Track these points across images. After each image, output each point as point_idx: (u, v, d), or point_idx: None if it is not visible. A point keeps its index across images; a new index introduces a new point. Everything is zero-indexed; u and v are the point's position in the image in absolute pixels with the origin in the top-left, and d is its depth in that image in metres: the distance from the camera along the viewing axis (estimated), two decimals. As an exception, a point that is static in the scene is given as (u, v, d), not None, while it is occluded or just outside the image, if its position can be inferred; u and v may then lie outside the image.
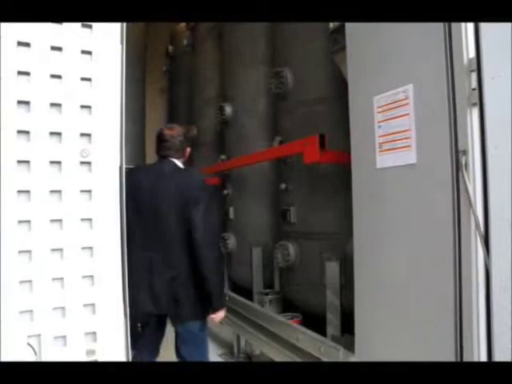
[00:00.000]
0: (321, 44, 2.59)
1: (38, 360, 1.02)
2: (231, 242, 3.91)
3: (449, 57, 1.47)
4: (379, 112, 1.79)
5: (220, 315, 2.17)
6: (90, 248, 1.16)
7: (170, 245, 2.04)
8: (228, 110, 3.94)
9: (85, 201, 1.17)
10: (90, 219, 1.17)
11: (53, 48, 1.12)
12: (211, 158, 4.62)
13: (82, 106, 1.17)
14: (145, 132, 4.57)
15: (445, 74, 1.48)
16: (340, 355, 2.03)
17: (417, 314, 1.59)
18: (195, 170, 2.32)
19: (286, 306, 3.17)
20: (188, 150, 2.33)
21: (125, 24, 1.21)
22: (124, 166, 1.27)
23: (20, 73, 1.09)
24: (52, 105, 1.13)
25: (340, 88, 2.50)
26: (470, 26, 1.38)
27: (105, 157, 1.21)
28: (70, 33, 1.15)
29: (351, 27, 1.92)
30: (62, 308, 1.10)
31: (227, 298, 3.78)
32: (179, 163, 2.25)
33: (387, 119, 1.75)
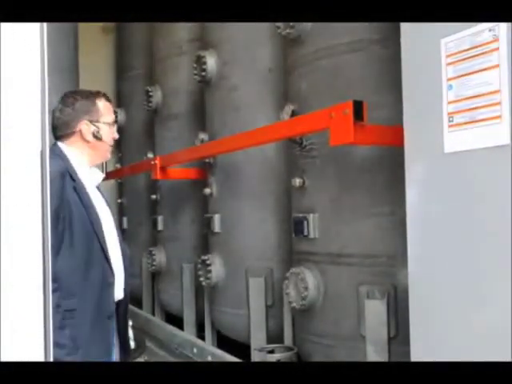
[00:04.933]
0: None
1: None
2: (216, 269, 3.91)
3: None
4: (450, 63, 1.78)
5: None
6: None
7: None
8: (210, 62, 3.95)
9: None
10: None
11: None
12: (185, 138, 4.62)
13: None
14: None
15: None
16: None
17: None
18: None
19: (303, 369, 3.18)
20: (84, 126, 2.40)
21: None
22: (47, 150, 1.29)
23: None
24: None
25: (386, 26, 2.50)
26: None
27: (15, 134, 1.21)
28: None
29: None
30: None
31: (209, 358, 3.79)
32: (67, 149, 2.39)
33: (462, 75, 1.74)
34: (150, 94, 5.13)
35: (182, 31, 4.78)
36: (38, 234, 1.25)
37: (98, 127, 2.40)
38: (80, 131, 2.39)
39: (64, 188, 2.21)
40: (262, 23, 3.54)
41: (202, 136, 4.12)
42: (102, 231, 2.32)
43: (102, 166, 5.10)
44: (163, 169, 4.39)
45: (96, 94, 2.46)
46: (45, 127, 1.28)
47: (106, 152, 2.48)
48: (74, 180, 2.27)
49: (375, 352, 2.48)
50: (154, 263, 5.07)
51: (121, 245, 2.50)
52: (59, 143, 2.39)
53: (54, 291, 2.03)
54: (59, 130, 2.40)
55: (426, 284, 1.89)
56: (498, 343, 1.64)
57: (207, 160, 4.04)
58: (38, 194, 1.25)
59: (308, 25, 2.89)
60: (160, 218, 5.13)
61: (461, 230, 1.76)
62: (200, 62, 3.98)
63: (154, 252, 5.11)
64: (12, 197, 1.21)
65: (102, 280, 2.29)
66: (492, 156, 1.66)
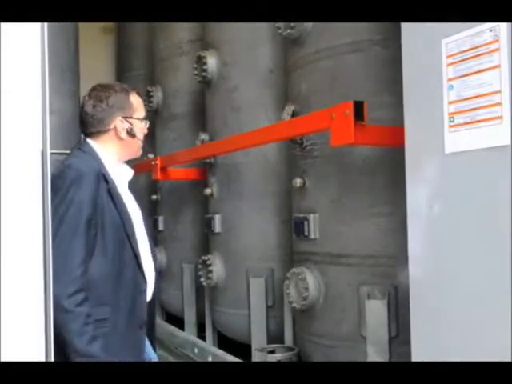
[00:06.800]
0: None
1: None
2: (217, 269, 3.91)
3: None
4: (450, 64, 1.78)
5: None
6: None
7: None
8: (211, 62, 3.95)
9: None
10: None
11: None
12: (185, 139, 4.62)
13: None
14: (79, 90, 4.58)
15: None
16: None
17: None
18: (80, 152, 2.23)
19: (304, 369, 3.18)
20: (118, 123, 2.26)
21: None
22: (48, 151, 1.29)
23: None
24: None
25: (387, 26, 2.50)
26: None
27: (13, 133, 1.21)
28: None
29: None
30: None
31: (210, 358, 3.79)
32: (98, 147, 2.26)
33: (463, 75, 1.74)
34: (151, 94, 5.13)
35: (183, 31, 4.78)
36: (39, 235, 1.25)
37: (131, 124, 2.27)
38: (115, 128, 2.26)
39: (98, 192, 2.09)
40: (262, 23, 3.55)
41: (203, 136, 4.12)
42: (135, 237, 2.21)
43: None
44: (164, 169, 4.39)
45: (128, 89, 2.34)
46: (45, 127, 1.28)
47: (138, 149, 2.36)
48: (107, 182, 2.15)
49: (376, 352, 2.47)
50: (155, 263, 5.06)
51: (151, 245, 2.40)
52: (89, 141, 2.26)
53: (85, 300, 1.95)
54: (92, 126, 2.25)
55: (427, 284, 1.89)
56: (498, 343, 1.65)
57: (208, 160, 4.04)
58: (39, 193, 1.25)
59: (309, 25, 2.89)
60: (161, 219, 5.13)
61: (461, 230, 1.76)
62: (200, 62, 3.99)
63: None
64: (12, 197, 1.21)
65: (134, 287, 2.19)
66: (492, 157, 1.65)
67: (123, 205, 2.21)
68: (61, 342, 1.90)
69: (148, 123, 2.38)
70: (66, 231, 1.97)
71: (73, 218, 1.99)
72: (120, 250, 2.14)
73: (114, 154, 2.29)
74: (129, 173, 2.40)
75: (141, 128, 2.33)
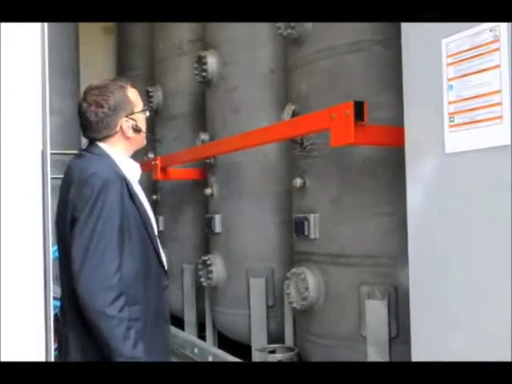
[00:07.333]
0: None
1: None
2: (217, 269, 3.91)
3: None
4: (450, 64, 1.78)
5: None
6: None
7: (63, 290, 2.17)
8: (211, 62, 3.95)
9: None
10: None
11: None
12: (185, 139, 4.62)
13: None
14: (80, 90, 4.58)
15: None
16: None
17: None
18: (98, 156, 2.18)
19: (304, 369, 3.18)
20: (124, 124, 2.22)
21: None
22: (48, 151, 1.29)
23: None
24: None
25: (387, 26, 2.50)
26: None
27: (13, 133, 1.21)
28: None
29: None
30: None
31: (210, 358, 3.80)
32: (110, 149, 2.25)
33: (463, 75, 1.74)
34: (151, 94, 5.13)
35: (183, 31, 4.79)
36: (39, 234, 1.26)
37: (135, 119, 2.24)
38: (121, 129, 2.22)
39: (123, 196, 2.09)
40: (262, 24, 3.55)
41: (203, 136, 4.12)
42: (155, 235, 2.25)
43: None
44: (164, 169, 4.39)
45: (123, 84, 2.28)
46: (46, 127, 1.29)
47: (143, 140, 2.34)
48: (127, 184, 2.14)
49: (376, 352, 2.48)
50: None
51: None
52: (100, 144, 2.23)
53: (125, 305, 1.96)
54: (98, 133, 2.21)
55: (427, 284, 1.89)
56: (498, 343, 1.65)
57: (208, 160, 4.04)
58: (39, 193, 1.26)
59: (309, 25, 2.89)
60: (161, 219, 5.13)
61: (461, 230, 1.76)
62: (201, 62, 3.99)
63: (154, 252, 5.10)
64: (12, 197, 1.22)
65: (159, 284, 2.23)
66: (492, 156, 1.66)
67: (142, 205, 2.22)
68: (104, 346, 1.95)
69: (148, 112, 2.37)
70: (99, 240, 2.00)
71: (105, 226, 2.01)
72: (144, 249, 2.16)
73: (123, 152, 2.28)
74: (137, 168, 2.37)
75: (143, 119, 2.32)
